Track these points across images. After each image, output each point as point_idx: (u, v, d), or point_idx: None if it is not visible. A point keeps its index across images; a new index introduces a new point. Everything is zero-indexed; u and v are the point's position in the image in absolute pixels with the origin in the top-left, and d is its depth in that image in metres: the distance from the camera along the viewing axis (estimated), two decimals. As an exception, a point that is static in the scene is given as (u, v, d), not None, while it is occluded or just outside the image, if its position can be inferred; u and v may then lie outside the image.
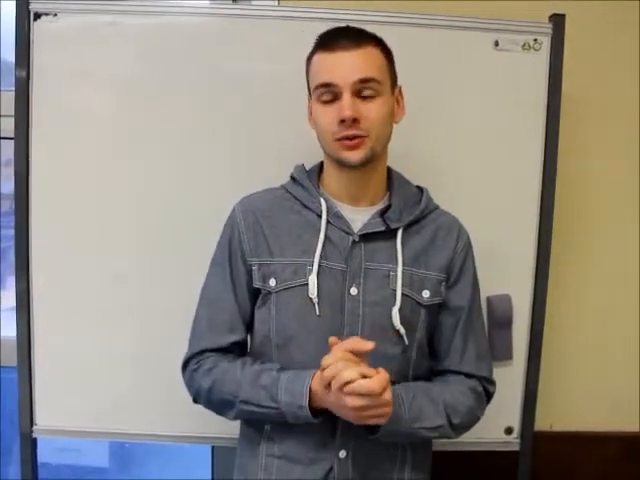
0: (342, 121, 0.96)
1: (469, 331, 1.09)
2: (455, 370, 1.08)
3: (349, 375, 0.86)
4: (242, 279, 1.06)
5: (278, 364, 1.01)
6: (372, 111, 0.97)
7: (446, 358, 1.09)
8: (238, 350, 1.07)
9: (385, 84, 0.99)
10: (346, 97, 0.95)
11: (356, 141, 0.97)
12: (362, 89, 0.96)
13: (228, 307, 1.05)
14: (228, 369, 1.01)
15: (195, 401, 1.06)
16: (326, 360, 0.90)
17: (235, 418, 1.03)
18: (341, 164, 1.01)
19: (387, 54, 1.01)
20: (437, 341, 1.09)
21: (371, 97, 0.97)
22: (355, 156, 0.98)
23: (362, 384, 0.86)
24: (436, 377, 1.09)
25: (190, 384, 1.05)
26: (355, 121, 0.95)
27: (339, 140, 0.98)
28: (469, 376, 1.08)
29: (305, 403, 0.93)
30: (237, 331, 1.06)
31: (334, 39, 0.98)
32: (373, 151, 0.99)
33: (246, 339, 1.08)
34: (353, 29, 1.01)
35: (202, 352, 1.05)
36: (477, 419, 1.07)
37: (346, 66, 0.96)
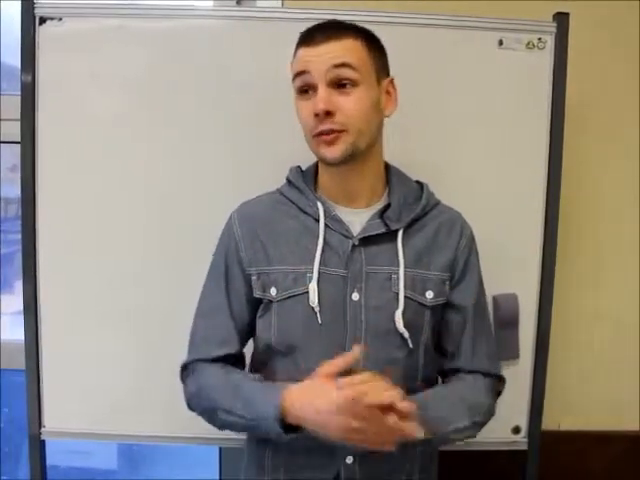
0: (316, 115, 0.93)
1: (479, 329, 1.07)
2: (469, 369, 1.06)
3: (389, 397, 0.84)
4: (240, 290, 1.04)
5: (260, 375, 1.00)
6: (349, 103, 0.93)
7: (458, 357, 1.06)
8: (232, 360, 1.04)
9: (365, 74, 0.95)
10: (321, 89, 0.93)
11: (332, 136, 0.94)
12: (338, 78, 0.93)
13: (222, 321, 1.03)
14: (213, 377, 1.00)
15: (189, 407, 1.04)
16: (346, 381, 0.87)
17: (221, 427, 1.01)
18: (324, 162, 0.99)
19: (370, 44, 0.98)
20: (446, 340, 1.07)
21: (349, 88, 0.94)
22: (332, 152, 0.95)
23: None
24: (449, 376, 1.08)
25: (184, 390, 1.05)
26: (329, 114, 0.93)
27: (317, 136, 0.95)
28: (483, 374, 1.06)
29: (277, 416, 0.89)
30: (231, 344, 1.03)
31: (311, 34, 0.97)
32: (354, 146, 0.95)
33: (240, 351, 1.06)
34: (332, 23, 0.99)
35: (196, 361, 1.03)
36: (492, 416, 1.06)
37: (320, 56, 0.94)
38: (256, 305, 1.04)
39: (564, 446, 1.55)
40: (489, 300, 1.32)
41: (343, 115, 0.93)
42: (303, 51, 0.96)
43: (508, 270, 1.37)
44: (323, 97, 0.93)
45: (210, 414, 1.00)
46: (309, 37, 0.97)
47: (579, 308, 1.56)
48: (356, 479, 1.01)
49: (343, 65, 0.93)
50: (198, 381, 1.01)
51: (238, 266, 1.04)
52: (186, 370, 1.05)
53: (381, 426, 0.84)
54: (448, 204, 1.12)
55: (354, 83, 0.94)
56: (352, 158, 0.96)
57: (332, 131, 0.94)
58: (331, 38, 0.94)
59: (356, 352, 0.88)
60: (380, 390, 0.85)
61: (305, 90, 0.96)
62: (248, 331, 1.06)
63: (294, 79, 0.98)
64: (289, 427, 0.90)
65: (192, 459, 1.96)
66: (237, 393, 0.96)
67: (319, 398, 0.87)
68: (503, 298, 1.37)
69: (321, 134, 0.94)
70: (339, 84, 0.94)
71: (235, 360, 1.05)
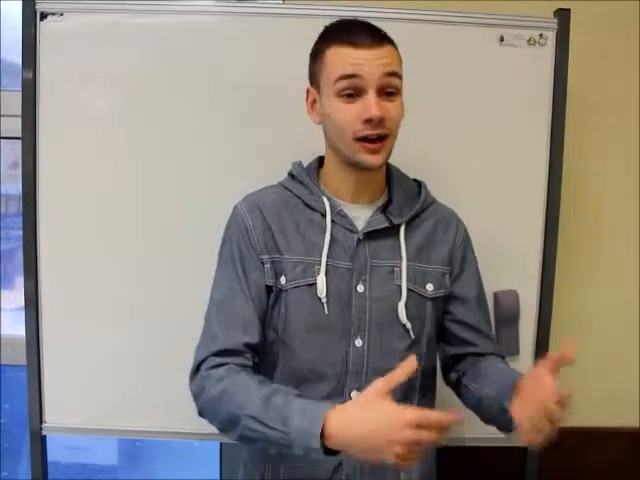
0: (368, 120, 0.93)
1: (487, 316, 1.14)
2: (490, 352, 1.10)
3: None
4: (255, 276, 1.02)
5: (296, 390, 0.92)
6: (395, 110, 0.96)
7: (477, 343, 1.10)
8: (251, 355, 0.99)
9: (402, 82, 0.98)
10: (371, 95, 0.93)
11: (380, 144, 0.96)
12: (386, 86, 0.95)
13: (241, 305, 1.00)
14: (242, 382, 0.93)
15: (200, 414, 0.98)
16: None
17: (238, 438, 0.93)
18: (356, 166, 0.99)
19: (398, 52, 1.00)
20: (454, 331, 1.10)
21: (393, 95, 0.96)
22: (377, 160, 0.97)
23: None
24: (464, 360, 1.11)
25: (198, 392, 0.97)
26: (381, 120, 0.94)
27: (360, 140, 0.95)
28: (498, 356, 1.12)
29: (318, 431, 0.81)
30: (251, 331, 0.99)
31: (352, 34, 0.95)
32: (390, 152, 1.00)
33: (260, 341, 1.01)
34: (366, 24, 0.98)
35: (213, 355, 0.97)
36: None
37: (372, 61, 0.93)
38: (269, 294, 1.03)
39: (564, 442, 1.54)
40: (489, 296, 1.33)
41: (391, 121, 0.96)
42: (349, 52, 0.94)
43: (509, 266, 1.37)
44: (377, 103, 0.93)
45: (230, 421, 0.91)
46: (352, 37, 0.95)
47: (579, 305, 1.56)
48: (356, 473, 1.02)
49: (393, 74, 0.95)
50: (223, 384, 0.93)
51: (253, 252, 1.02)
52: (202, 368, 0.97)
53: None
54: (449, 201, 1.13)
55: (397, 91, 0.97)
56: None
57: (379, 137, 0.95)
58: (378, 43, 0.95)
59: (411, 365, 0.83)
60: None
61: (350, 93, 0.95)
62: (265, 319, 1.03)
63: (337, 80, 0.95)
64: (327, 449, 0.83)
65: (193, 457, 1.96)
66: (269, 402, 0.88)
67: (382, 417, 0.80)
68: (503, 294, 1.38)
69: (365, 139, 0.95)
70: (385, 91, 0.95)
71: (255, 353, 1.00)
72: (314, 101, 1.03)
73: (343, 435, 0.82)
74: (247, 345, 0.98)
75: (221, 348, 0.97)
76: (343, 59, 0.95)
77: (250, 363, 0.98)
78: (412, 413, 0.79)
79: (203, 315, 1.04)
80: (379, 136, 0.95)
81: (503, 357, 1.13)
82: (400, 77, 0.97)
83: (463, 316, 1.10)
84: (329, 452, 0.83)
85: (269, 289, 1.03)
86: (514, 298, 1.38)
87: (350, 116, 0.95)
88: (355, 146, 0.96)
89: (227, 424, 0.93)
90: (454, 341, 1.11)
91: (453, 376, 1.12)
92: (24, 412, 1.37)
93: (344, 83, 0.95)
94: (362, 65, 0.93)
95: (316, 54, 1.01)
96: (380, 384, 0.83)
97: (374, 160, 0.97)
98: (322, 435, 0.82)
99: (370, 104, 0.93)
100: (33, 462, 1.39)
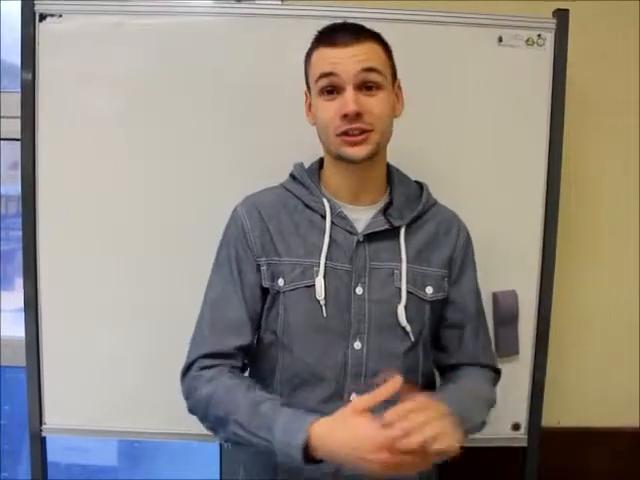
0: (345, 116, 0.95)
1: (477, 324, 1.11)
2: (471, 363, 1.09)
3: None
4: (251, 278, 1.03)
5: (282, 398, 0.95)
6: (376, 105, 0.96)
7: (459, 352, 1.09)
8: (241, 356, 1.01)
9: (387, 78, 0.99)
10: (349, 91, 0.94)
11: (361, 137, 0.96)
12: (365, 81, 0.95)
13: (234, 308, 1.01)
14: (231, 386, 0.95)
15: (191, 411, 1.00)
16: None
17: (226, 440, 0.97)
18: (343, 160, 1.00)
19: (386, 49, 1.01)
20: (446, 337, 1.10)
21: (374, 90, 0.96)
22: (359, 152, 0.97)
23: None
24: (449, 371, 1.10)
25: (189, 392, 0.99)
26: (359, 115, 0.94)
27: (341, 135, 0.96)
28: (484, 367, 1.10)
29: (300, 443, 0.84)
30: (243, 334, 1.01)
31: (334, 35, 0.98)
32: (378, 146, 0.99)
33: (251, 344, 1.03)
34: (351, 25, 1.00)
35: (204, 357, 0.99)
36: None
37: (348, 58, 0.95)
38: (265, 295, 1.04)
39: (564, 443, 1.56)
40: (489, 297, 1.33)
41: (371, 116, 0.96)
42: (328, 52, 0.97)
43: (508, 267, 1.37)
44: (353, 99, 0.94)
45: (218, 423, 0.95)
46: (333, 37, 0.97)
47: (579, 304, 1.56)
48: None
49: (371, 69, 0.96)
50: (212, 387, 0.96)
51: (251, 254, 1.03)
52: (193, 369, 1.00)
53: (425, 455, 0.80)
54: (448, 201, 1.13)
55: (379, 86, 0.97)
56: (372, 157, 0.99)
57: (361, 131, 0.96)
58: (357, 40, 0.96)
59: (395, 385, 0.83)
60: (428, 430, 0.80)
61: (330, 91, 0.97)
62: (258, 321, 1.05)
63: (318, 79, 0.98)
64: (309, 457, 0.85)
65: (193, 457, 1.96)
66: (256, 410, 0.90)
67: (354, 435, 0.82)
68: (503, 295, 1.37)
69: (346, 134, 0.96)
70: (365, 86, 0.96)
71: (246, 355, 1.02)
72: (310, 104, 1.04)
73: (326, 448, 0.84)
74: (237, 348, 1.00)
75: (212, 350, 0.99)
76: (323, 59, 0.98)
77: (240, 365, 1.01)
78: (384, 437, 0.79)
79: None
80: (360, 130, 0.95)
81: (489, 366, 1.12)
82: (380, 72, 0.97)
83: (452, 320, 1.09)
84: (311, 461, 0.85)
85: (265, 291, 1.03)
86: (513, 298, 1.38)
87: (331, 113, 0.97)
88: (338, 140, 0.98)
89: (215, 426, 0.97)
90: (444, 347, 1.11)
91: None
92: (24, 413, 1.37)
93: (324, 81, 0.97)
94: (338, 63, 0.95)
95: (306, 58, 1.03)
96: (358, 402, 0.85)
97: (356, 152, 0.97)
98: (306, 446, 0.84)
99: (347, 100, 0.94)
100: (33, 463, 1.39)
